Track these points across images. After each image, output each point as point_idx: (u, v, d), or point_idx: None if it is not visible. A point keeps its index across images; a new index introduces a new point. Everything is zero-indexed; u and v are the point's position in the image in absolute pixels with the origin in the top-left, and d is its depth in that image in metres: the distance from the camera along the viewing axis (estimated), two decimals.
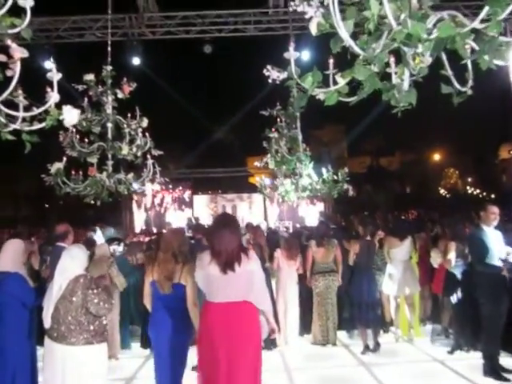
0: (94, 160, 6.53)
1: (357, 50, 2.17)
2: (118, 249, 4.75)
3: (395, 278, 6.29)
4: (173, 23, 9.77)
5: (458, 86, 2.07)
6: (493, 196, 41.95)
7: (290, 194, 7.81)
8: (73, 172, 6.86)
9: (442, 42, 1.72)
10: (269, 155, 8.13)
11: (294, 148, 8.34)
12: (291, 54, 2.75)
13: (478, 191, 45.22)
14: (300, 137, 8.28)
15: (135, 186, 6.93)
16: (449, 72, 2.11)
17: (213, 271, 3.27)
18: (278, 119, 8.29)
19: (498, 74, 2.21)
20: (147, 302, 4.03)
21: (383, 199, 34.78)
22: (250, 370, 3.27)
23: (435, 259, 6.49)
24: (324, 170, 8.24)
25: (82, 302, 3.45)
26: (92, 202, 7.00)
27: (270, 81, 3.00)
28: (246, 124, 19.46)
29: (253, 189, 17.62)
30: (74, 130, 6.56)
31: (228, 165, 19.46)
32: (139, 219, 16.25)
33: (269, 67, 3.00)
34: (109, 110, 6.55)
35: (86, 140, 7.01)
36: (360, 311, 5.90)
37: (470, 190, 46.14)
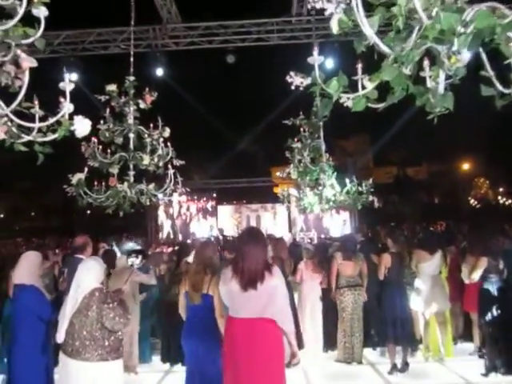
0: (115, 170, 6.50)
1: (384, 48, 2.02)
2: (136, 261, 4.64)
3: (423, 294, 5.98)
4: (196, 34, 9.79)
5: (500, 87, 1.87)
6: None
7: (313, 205, 7.62)
8: (95, 183, 6.88)
9: (480, 34, 1.54)
10: (292, 165, 7.96)
11: (317, 158, 8.16)
12: (315, 58, 2.62)
13: (510, 201, 43.83)
14: (323, 147, 8.10)
15: (159, 196, 6.87)
16: (490, 73, 1.91)
17: (234, 287, 3.22)
18: (301, 129, 8.12)
19: None
20: (182, 312, 4.23)
21: (410, 210, 34.02)
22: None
23: (466, 274, 6.16)
24: (347, 181, 8.05)
25: (97, 316, 3.35)
26: (112, 212, 6.98)
27: (292, 87, 2.90)
28: (269, 134, 19.36)
29: (277, 199, 17.54)
30: (96, 140, 6.55)
31: (252, 175, 19.39)
32: (167, 229, 16.33)
33: (292, 73, 2.89)
34: (130, 121, 6.52)
35: (109, 151, 7.01)
36: (391, 328, 5.61)
37: (501, 200, 44.76)
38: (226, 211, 18.24)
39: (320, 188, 7.65)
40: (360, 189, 7.62)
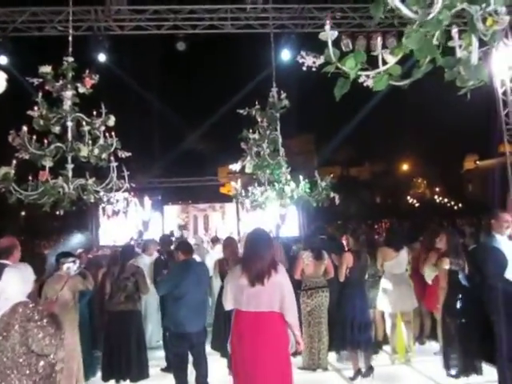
0: (48, 163, 5.69)
1: (406, 12, 1.72)
2: (73, 267, 3.96)
3: (391, 294, 5.71)
4: (143, 17, 9.03)
5: None
6: (460, 205, 42.88)
7: (271, 201, 7.16)
8: (30, 178, 6.03)
9: None
10: (248, 157, 7.42)
11: (274, 152, 7.73)
12: (328, 33, 2.19)
13: (445, 200, 46.13)
14: (280, 140, 7.69)
15: (101, 193, 6.13)
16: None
17: (243, 282, 3.48)
18: (259, 119, 7.64)
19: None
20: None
21: (355, 209, 34.78)
22: (278, 379, 3.40)
23: (430, 275, 5.95)
24: (301, 177, 7.70)
25: (21, 338, 2.68)
26: (49, 210, 6.16)
27: (304, 68, 2.53)
28: (219, 129, 18.78)
29: (224, 199, 17.11)
30: (26, 129, 5.72)
31: (199, 174, 18.79)
32: (107, 229, 15.12)
33: (303, 53, 2.53)
34: (66, 106, 5.73)
35: (46, 141, 6.17)
36: (350, 331, 5.25)
37: (437, 199, 46.99)
38: (172, 211, 17.55)
39: (279, 183, 7.21)
40: (321, 185, 7.27)
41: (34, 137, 6.17)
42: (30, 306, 2.81)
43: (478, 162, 44.78)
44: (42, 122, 6.17)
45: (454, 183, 45.51)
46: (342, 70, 2.17)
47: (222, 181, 17.99)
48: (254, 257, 3.50)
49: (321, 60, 2.37)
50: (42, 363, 2.80)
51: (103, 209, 13.45)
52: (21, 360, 2.71)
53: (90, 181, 5.71)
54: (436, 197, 47.83)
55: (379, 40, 2.21)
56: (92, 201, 6.26)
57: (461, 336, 4.95)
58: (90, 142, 6.02)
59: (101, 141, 5.70)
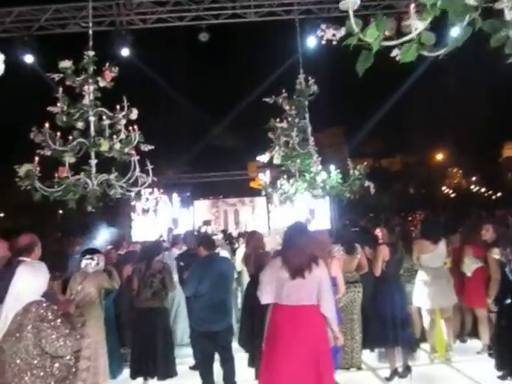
0: (71, 159, 5.61)
1: None
2: (92, 264, 3.82)
3: (428, 289, 5.36)
4: (164, 10, 8.88)
5: None
6: (499, 194, 41.21)
7: (302, 192, 6.86)
8: (56, 175, 5.98)
9: None
10: (276, 148, 7.13)
11: (303, 142, 7.43)
12: (349, 1, 1.97)
13: (482, 190, 44.47)
14: (309, 128, 7.37)
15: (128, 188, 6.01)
16: None
17: (283, 275, 3.48)
18: (287, 107, 7.33)
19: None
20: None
21: (388, 201, 33.97)
22: (317, 374, 3.37)
23: (470, 266, 5.58)
24: (332, 168, 7.37)
25: (35, 339, 2.54)
26: (75, 207, 6.10)
27: (323, 42, 2.40)
28: (245, 122, 18.49)
29: (254, 193, 16.97)
30: (48, 125, 5.66)
31: (228, 169, 18.68)
32: (139, 226, 15.17)
33: (323, 26, 2.37)
34: (86, 101, 5.62)
35: (71, 138, 6.10)
36: (390, 329, 4.94)
37: (474, 188, 45.34)
38: (202, 206, 17.52)
39: (310, 173, 6.90)
40: (355, 174, 6.93)
41: (59, 133, 6.13)
42: (44, 305, 2.68)
43: None
44: (64, 118, 6.10)
45: (492, 172, 43.78)
46: (365, 42, 1.98)
47: (251, 175, 17.83)
48: (294, 250, 3.50)
49: (341, 33, 2.19)
50: (57, 365, 2.67)
51: (133, 207, 13.52)
52: (35, 362, 2.59)
53: (112, 175, 5.58)
54: (473, 186, 46.17)
55: (412, 7, 1.99)
56: (118, 196, 6.16)
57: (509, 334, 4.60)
58: (115, 136, 5.92)
59: (122, 135, 5.55)
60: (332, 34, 2.36)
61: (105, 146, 5.44)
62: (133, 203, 13.00)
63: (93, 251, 4.89)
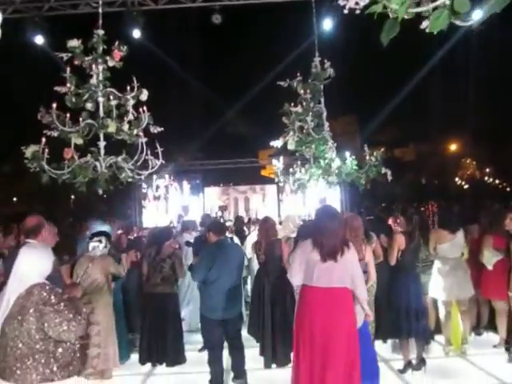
0: (78, 141, 5.50)
1: None
2: (99, 246, 3.71)
3: (445, 280, 5.19)
4: None
5: None
6: None
7: (316, 178, 6.67)
8: (66, 156, 5.88)
9: None
10: (291, 133, 6.91)
11: (318, 127, 7.22)
12: None
13: (497, 182, 43.78)
14: (325, 113, 7.16)
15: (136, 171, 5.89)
16: None
17: (314, 257, 3.51)
18: (302, 91, 7.10)
19: None
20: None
21: (401, 191, 33.59)
22: (348, 356, 3.43)
23: (490, 259, 5.37)
24: (347, 154, 7.17)
25: (37, 322, 2.44)
26: (85, 190, 6.02)
27: (345, 11, 2.19)
28: (258, 109, 18.25)
29: (264, 181, 16.85)
30: (55, 105, 5.55)
31: (239, 156, 18.56)
32: (150, 212, 15.11)
33: None
34: (94, 81, 5.49)
35: (81, 119, 5.99)
36: (405, 319, 4.79)
37: (488, 180, 44.63)
38: (212, 193, 17.46)
39: (324, 160, 6.70)
40: (372, 160, 6.73)
41: (68, 115, 6.02)
42: (47, 288, 2.58)
43: None
44: (74, 99, 5.99)
45: (507, 163, 43.01)
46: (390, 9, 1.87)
47: (262, 163, 17.72)
48: (326, 233, 3.51)
49: (365, 0, 2.04)
50: (60, 350, 2.57)
51: (145, 194, 13.50)
52: (37, 346, 2.49)
53: (120, 158, 5.46)
54: (486, 178, 45.45)
55: None
56: (129, 180, 6.06)
57: None
58: (124, 118, 5.79)
59: (130, 116, 5.41)
60: (355, 1, 2.19)
61: (112, 128, 5.32)
62: (144, 190, 13.01)
63: (101, 234, 4.80)
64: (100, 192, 6.02)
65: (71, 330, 2.49)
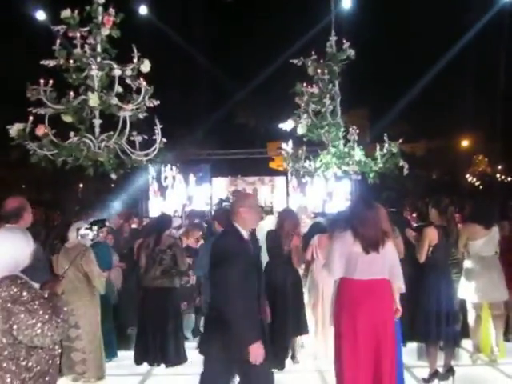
0: (68, 119, 5.04)
1: None
2: (89, 234, 3.25)
3: (478, 280, 4.67)
4: None
5: None
6: None
7: (331, 166, 6.14)
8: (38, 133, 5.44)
9: None
10: (305, 115, 6.33)
11: (332, 112, 6.67)
12: None
13: (509, 179, 43.02)
14: (339, 98, 6.62)
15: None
16: None
17: (356, 249, 3.46)
18: (319, 71, 6.50)
19: None
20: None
21: (412, 186, 33.06)
22: (393, 345, 3.46)
23: None
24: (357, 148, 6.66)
25: (5, 325, 2.01)
26: (89, 173, 5.55)
27: None
28: (271, 88, 17.69)
29: (273, 173, 16.51)
30: (43, 81, 5.11)
31: (247, 147, 18.21)
32: (155, 201, 14.75)
33: None
34: (87, 52, 5.02)
35: (71, 94, 5.52)
36: (435, 324, 4.27)
37: (500, 177, 43.88)
38: (220, 183, 17.16)
39: (337, 146, 6.17)
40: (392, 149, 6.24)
41: (67, 93, 5.54)
42: (19, 282, 2.11)
43: None
44: (74, 76, 5.51)
45: None
46: None
47: (271, 155, 17.47)
48: (366, 224, 3.45)
49: None
50: (34, 357, 2.12)
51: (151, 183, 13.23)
52: (5, 353, 2.06)
53: (115, 135, 4.98)
54: (498, 175, 44.69)
55: None
56: (135, 164, 5.59)
57: None
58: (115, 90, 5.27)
59: (118, 87, 4.93)
60: None
61: (93, 101, 4.83)
62: (150, 181, 12.79)
63: (97, 222, 4.32)
64: (113, 176, 5.55)
65: (46, 334, 2.03)
